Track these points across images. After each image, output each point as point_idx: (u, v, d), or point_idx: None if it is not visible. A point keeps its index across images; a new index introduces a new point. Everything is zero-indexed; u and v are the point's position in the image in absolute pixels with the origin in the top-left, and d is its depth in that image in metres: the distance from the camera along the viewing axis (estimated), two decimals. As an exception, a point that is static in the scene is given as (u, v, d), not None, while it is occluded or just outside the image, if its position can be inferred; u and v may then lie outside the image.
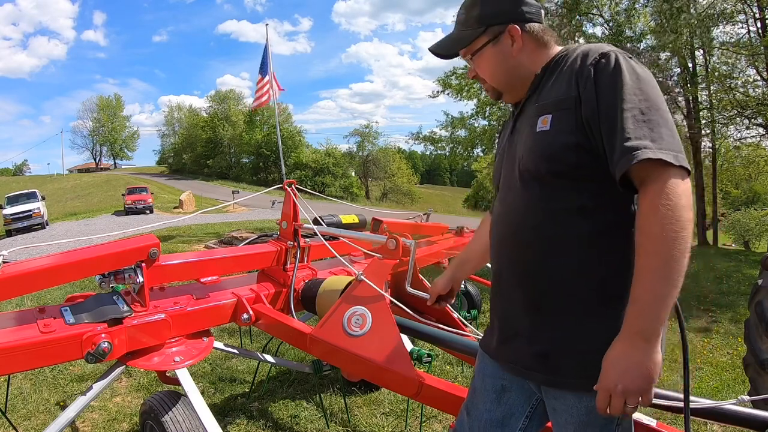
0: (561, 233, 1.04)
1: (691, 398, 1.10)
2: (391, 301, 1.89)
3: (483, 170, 35.26)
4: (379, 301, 1.79)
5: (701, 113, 14.20)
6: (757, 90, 12.95)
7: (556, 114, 1.04)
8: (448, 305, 1.68)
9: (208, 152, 51.10)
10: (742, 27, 13.06)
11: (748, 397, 1.25)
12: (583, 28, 13.59)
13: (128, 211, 22.59)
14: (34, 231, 17.61)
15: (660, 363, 0.91)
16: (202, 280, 2.21)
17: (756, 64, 12.46)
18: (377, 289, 1.81)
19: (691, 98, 14.05)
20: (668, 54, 13.16)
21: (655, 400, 1.30)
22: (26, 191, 19.47)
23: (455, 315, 2.24)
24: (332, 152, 46.32)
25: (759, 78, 12.83)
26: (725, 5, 11.98)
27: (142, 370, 3.17)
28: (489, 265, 1.32)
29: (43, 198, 19.14)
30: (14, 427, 2.27)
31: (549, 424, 1.19)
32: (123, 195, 24.14)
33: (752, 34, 12.91)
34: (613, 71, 0.98)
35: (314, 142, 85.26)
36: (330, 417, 2.76)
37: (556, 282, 1.05)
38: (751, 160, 16.80)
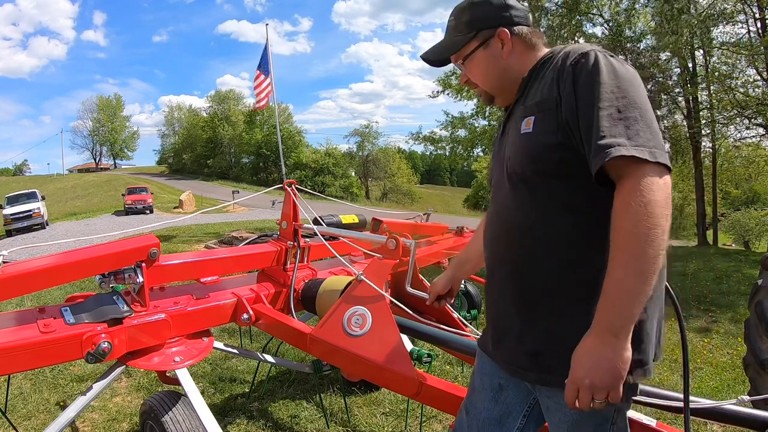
0: (550, 232, 1.05)
1: (691, 398, 1.10)
2: (391, 301, 1.90)
3: (483, 170, 35.35)
4: (379, 301, 1.79)
5: (701, 113, 14.19)
6: (757, 90, 12.93)
7: (539, 115, 1.06)
8: (447, 305, 1.68)
9: (208, 152, 51.10)
10: (742, 27, 13.05)
11: (748, 397, 1.26)
12: (583, 28, 13.62)
13: (128, 211, 22.61)
14: (34, 231, 17.61)
15: (629, 359, 0.91)
16: (202, 280, 2.21)
17: (756, 64, 12.44)
18: (377, 289, 1.81)
19: (691, 98, 14.04)
20: (668, 54, 13.17)
21: (655, 400, 1.31)
22: (26, 191, 19.48)
23: (455, 315, 2.24)
24: (332, 152, 46.33)
25: (759, 78, 12.82)
26: (725, 5, 11.98)
27: (142, 370, 3.17)
28: None
29: (43, 198, 19.15)
30: (14, 427, 2.27)
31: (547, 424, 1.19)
32: (123, 195, 24.17)
33: (752, 34, 12.89)
34: (591, 70, 0.98)
35: (314, 142, 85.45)
36: (330, 417, 2.76)
37: (547, 280, 1.06)
38: (751, 160, 16.77)
